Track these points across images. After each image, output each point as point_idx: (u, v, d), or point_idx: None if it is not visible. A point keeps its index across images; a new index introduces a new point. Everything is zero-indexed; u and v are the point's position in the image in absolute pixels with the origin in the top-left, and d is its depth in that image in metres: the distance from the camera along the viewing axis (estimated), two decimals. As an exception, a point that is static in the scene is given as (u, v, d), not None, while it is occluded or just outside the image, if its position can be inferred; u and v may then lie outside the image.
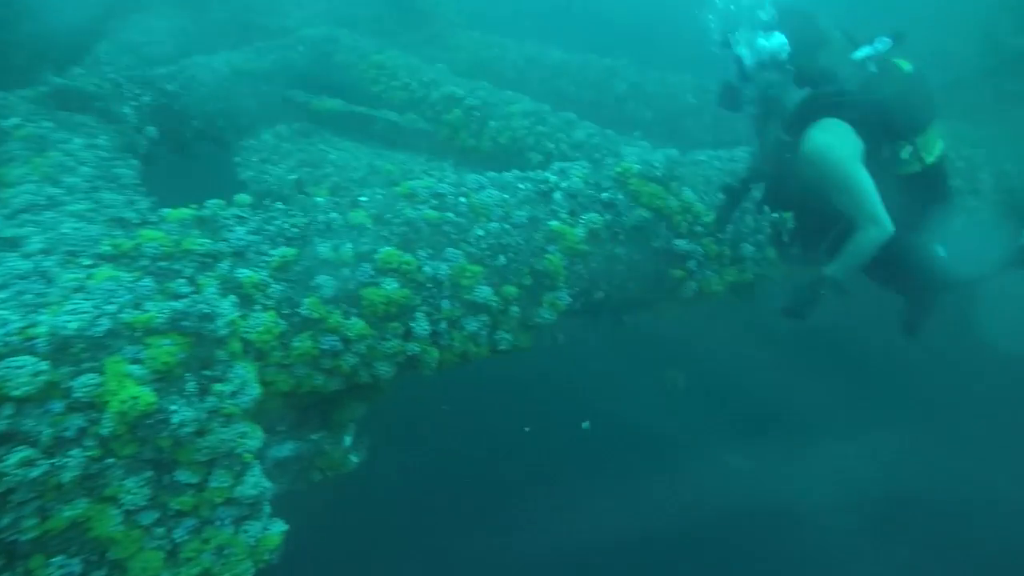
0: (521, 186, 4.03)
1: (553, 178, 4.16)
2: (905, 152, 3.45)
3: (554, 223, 3.88)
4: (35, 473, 2.14)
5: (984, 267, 3.87)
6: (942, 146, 3.61)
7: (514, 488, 4.81)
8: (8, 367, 2.10)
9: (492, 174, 4.11)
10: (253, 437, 2.60)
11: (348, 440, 3.68)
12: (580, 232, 3.93)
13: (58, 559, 2.27)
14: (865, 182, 3.23)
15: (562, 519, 4.76)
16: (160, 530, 2.45)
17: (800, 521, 4.88)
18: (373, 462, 3.67)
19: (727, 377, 5.40)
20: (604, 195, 4.19)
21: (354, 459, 3.71)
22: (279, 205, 3.54)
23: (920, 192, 3.52)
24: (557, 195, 4.08)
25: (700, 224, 4.36)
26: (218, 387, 2.49)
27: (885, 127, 3.36)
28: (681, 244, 4.30)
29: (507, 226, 3.72)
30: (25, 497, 2.16)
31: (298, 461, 3.57)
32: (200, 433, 2.43)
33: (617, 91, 7.63)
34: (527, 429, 5.09)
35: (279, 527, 2.70)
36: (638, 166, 4.35)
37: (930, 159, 3.50)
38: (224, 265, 3.11)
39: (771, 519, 4.85)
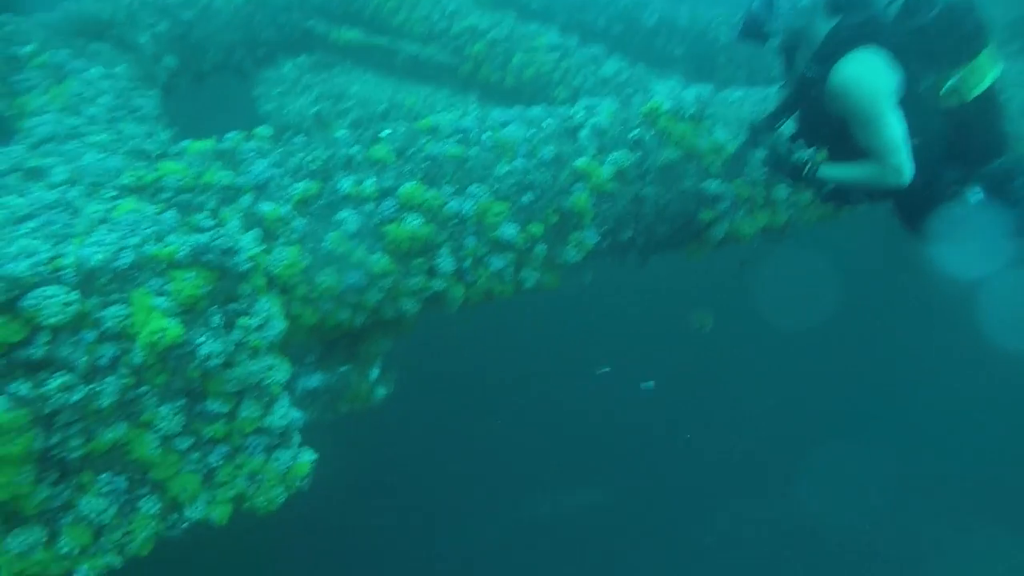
0: (547, 122, 3.91)
1: (580, 115, 4.03)
2: (949, 84, 3.23)
3: (581, 161, 3.78)
4: (75, 397, 2.19)
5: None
6: (993, 79, 3.38)
7: (534, 427, 4.87)
8: (40, 296, 2.11)
9: (517, 109, 3.98)
10: (280, 370, 2.62)
11: (374, 374, 3.73)
12: (607, 171, 3.83)
13: (105, 476, 2.37)
14: (894, 124, 3.05)
15: (576, 462, 4.83)
16: (195, 455, 2.52)
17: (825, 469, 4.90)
18: (398, 396, 3.73)
19: (754, 321, 5.34)
20: (632, 133, 4.06)
21: (380, 392, 3.76)
22: (300, 139, 3.48)
23: (964, 128, 3.33)
24: (584, 132, 3.95)
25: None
26: (243, 321, 2.50)
27: (926, 55, 3.13)
28: (711, 185, 4.17)
29: (533, 163, 3.63)
30: (69, 419, 2.22)
31: (326, 392, 3.63)
32: (228, 365, 2.46)
33: (647, 25, 7.29)
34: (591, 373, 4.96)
35: (309, 456, 2.76)
36: (668, 104, 4.19)
37: (976, 92, 3.28)
38: (246, 199, 3.08)
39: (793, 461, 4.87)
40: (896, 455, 5.37)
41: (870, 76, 3.05)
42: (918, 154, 3.10)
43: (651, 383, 5.06)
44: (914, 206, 3.46)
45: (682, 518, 4.81)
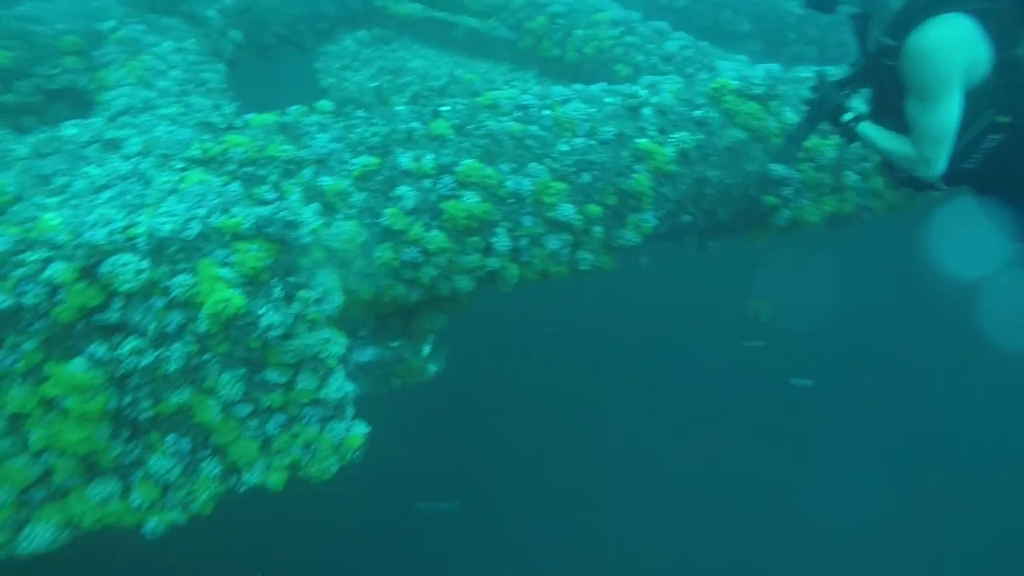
0: (608, 100, 3.81)
1: (643, 93, 3.91)
2: None
3: (642, 141, 3.68)
4: (145, 362, 2.29)
5: None
6: None
7: (585, 410, 4.84)
8: (115, 264, 2.20)
9: (578, 86, 3.90)
10: (337, 344, 2.67)
11: (427, 350, 3.76)
12: (669, 151, 3.72)
13: (171, 437, 2.48)
14: (946, 113, 2.77)
15: (629, 447, 4.79)
16: (254, 423, 2.61)
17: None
18: (450, 373, 3.75)
19: (814, 312, 5.15)
20: (696, 113, 3.92)
21: (432, 368, 3.80)
22: (360, 113, 3.49)
23: None
24: (646, 111, 3.84)
25: (801, 148, 4.03)
26: (303, 294, 2.54)
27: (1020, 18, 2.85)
28: (777, 169, 4.01)
29: (593, 142, 3.55)
30: (140, 381, 2.33)
31: (379, 366, 3.69)
32: (287, 337, 2.51)
33: (713, -2, 7.01)
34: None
35: (362, 428, 2.82)
36: (735, 82, 4.03)
37: None
38: (307, 172, 3.12)
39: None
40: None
41: (944, 51, 2.76)
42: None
43: (807, 381, 4.90)
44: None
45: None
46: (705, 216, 4.06)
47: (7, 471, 2.24)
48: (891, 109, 3.24)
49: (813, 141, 4.02)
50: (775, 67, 4.37)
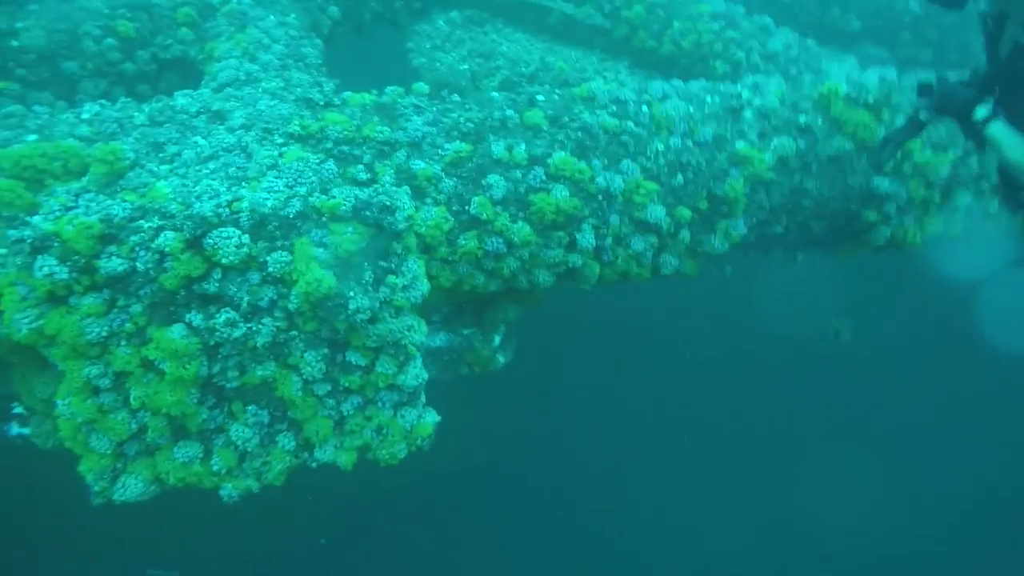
0: (709, 99, 3.66)
1: (746, 93, 3.73)
2: None
3: (741, 145, 3.52)
4: (236, 334, 2.35)
5: None
6: None
7: (645, 419, 4.75)
8: (219, 237, 2.25)
9: (677, 83, 3.75)
10: (419, 331, 2.67)
11: (497, 340, 3.75)
12: (768, 158, 3.55)
13: (252, 408, 2.55)
14: None
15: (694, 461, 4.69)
16: (331, 402, 2.65)
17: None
18: (518, 364, 3.73)
19: (895, 337, 4.88)
20: (801, 118, 3.72)
21: (501, 359, 3.79)
22: (456, 98, 3.46)
23: None
24: (748, 113, 3.67)
25: (911, 163, 3.79)
26: (392, 279, 2.55)
27: None
28: (882, 184, 3.77)
29: (690, 143, 3.42)
30: (229, 352, 2.40)
31: (449, 352, 3.70)
32: (372, 321, 2.53)
33: (821, -7, 6.63)
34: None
35: (432, 417, 2.83)
36: (846, 88, 3.79)
37: None
38: (400, 154, 3.12)
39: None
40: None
41: None
42: None
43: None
44: None
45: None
46: (798, 228, 3.88)
47: (111, 423, 2.35)
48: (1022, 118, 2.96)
49: (927, 156, 3.77)
50: (891, 72, 4.09)
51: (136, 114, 2.93)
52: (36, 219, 2.30)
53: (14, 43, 3.75)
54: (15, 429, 3.06)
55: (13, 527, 3.78)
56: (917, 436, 5.21)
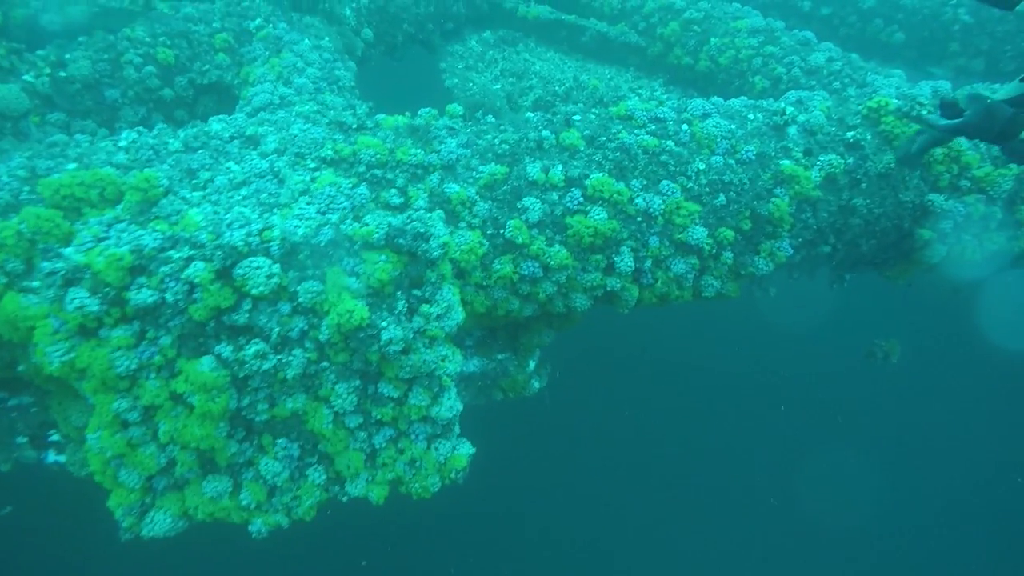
0: (751, 116, 3.53)
1: (790, 110, 3.59)
2: None
3: (786, 163, 3.37)
4: (266, 366, 2.29)
5: None
6: None
7: (682, 449, 4.57)
8: (249, 267, 2.20)
9: (717, 100, 3.62)
10: (453, 361, 2.58)
11: (532, 365, 3.64)
12: (815, 176, 3.39)
13: (282, 441, 2.48)
14: None
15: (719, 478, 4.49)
16: (362, 434, 2.57)
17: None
18: (554, 390, 3.61)
19: (945, 363, 4.63)
20: (849, 134, 3.56)
21: (536, 384, 3.67)
22: (490, 119, 3.39)
23: None
24: (792, 130, 3.53)
25: (968, 177, 3.59)
26: (426, 308, 2.47)
27: None
28: (937, 200, 3.58)
29: (732, 161, 3.29)
30: (259, 384, 2.33)
31: (483, 378, 3.60)
32: (405, 352, 2.45)
33: (863, 5, 6.45)
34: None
35: (467, 449, 2.72)
36: (896, 102, 3.62)
37: None
38: (434, 177, 3.06)
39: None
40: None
41: None
42: None
43: None
44: None
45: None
46: (847, 248, 3.70)
47: (139, 457, 2.31)
48: None
49: (985, 170, 3.57)
50: (944, 84, 3.90)
51: (171, 140, 2.92)
52: (68, 250, 2.29)
53: (62, 74, 3.84)
54: (51, 456, 3.06)
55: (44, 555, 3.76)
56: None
